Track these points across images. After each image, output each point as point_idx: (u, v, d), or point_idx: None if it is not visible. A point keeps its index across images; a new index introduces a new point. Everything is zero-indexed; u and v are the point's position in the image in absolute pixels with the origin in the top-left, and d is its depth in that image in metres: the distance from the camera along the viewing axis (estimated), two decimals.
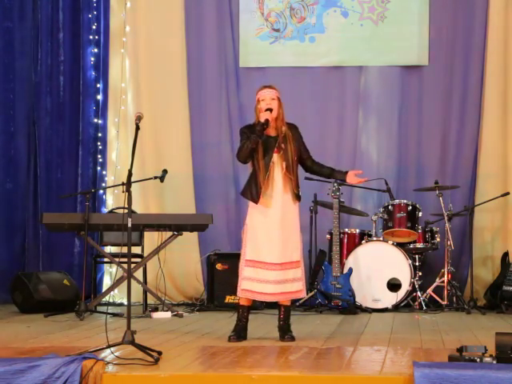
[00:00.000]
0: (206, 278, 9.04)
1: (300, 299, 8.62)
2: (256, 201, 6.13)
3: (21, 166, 9.64)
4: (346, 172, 6.39)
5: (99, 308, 8.27)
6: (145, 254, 8.63)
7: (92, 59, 9.79)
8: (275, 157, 6.15)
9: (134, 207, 8.12)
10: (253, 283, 6.13)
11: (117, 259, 8.01)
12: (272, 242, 6.11)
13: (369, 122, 9.64)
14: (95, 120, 9.79)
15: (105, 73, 9.76)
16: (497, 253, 9.19)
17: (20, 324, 7.31)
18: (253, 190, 6.16)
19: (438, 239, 8.88)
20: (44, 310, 8.06)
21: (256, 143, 6.10)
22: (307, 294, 8.59)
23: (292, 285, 6.17)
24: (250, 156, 6.16)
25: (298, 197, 6.19)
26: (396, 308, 8.59)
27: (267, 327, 6.88)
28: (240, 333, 6.18)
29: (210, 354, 5.49)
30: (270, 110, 6.12)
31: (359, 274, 8.63)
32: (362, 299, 8.55)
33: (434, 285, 8.72)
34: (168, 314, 8.03)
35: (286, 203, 6.16)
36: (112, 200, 9.57)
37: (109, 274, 9.57)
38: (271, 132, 6.19)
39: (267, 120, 6.08)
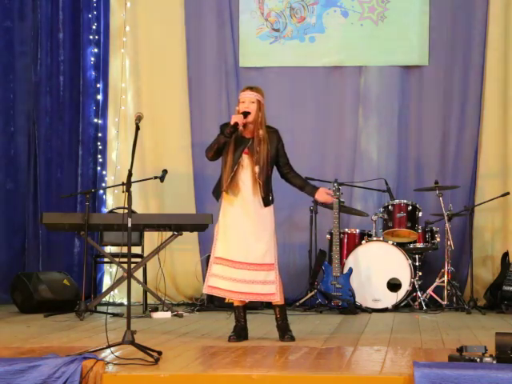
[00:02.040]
0: None
1: (300, 299, 8.65)
2: (217, 199, 6.19)
3: (21, 166, 9.64)
4: (317, 189, 6.28)
5: (99, 308, 8.27)
6: (145, 254, 8.64)
7: (92, 59, 9.79)
8: (245, 158, 6.14)
9: (134, 207, 8.13)
10: (220, 280, 6.13)
11: (117, 259, 8.01)
12: (241, 241, 6.10)
13: (369, 122, 9.64)
14: (95, 120, 9.78)
15: (105, 73, 9.77)
16: (497, 253, 9.19)
17: (20, 324, 7.31)
18: (217, 189, 6.21)
19: (438, 239, 8.88)
20: (44, 310, 8.05)
21: (223, 144, 6.11)
22: (307, 293, 8.64)
23: (263, 287, 6.12)
24: (217, 154, 6.16)
25: (266, 201, 6.15)
26: (396, 308, 8.59)
27: (267, 327, 6.87)
28: (240, 333, 6.18)
29: (210, 354, 5.49)
30: (246, 113, 6.11)
31: (359, 274, 8.63)
32: (362, 299, 8.55)
33: (434, 285, 8.72)
34: (168, 314, 8.03)
35: (257, 206, 6.14)
36: (112, 200, 9.57)
37: (109, 273, 9.57)
38: (246, 134, 6.17)
39: (236, 124, 6.07)
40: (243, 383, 4.59)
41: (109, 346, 5.18)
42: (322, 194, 6.28)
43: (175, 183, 9.35)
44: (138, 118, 5.69)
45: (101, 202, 9.69)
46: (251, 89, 6.21)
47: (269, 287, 6.14)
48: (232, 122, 6.07)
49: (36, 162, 9.68)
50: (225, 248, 6.14)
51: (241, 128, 6.10)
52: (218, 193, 6.20)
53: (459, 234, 9.28)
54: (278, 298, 6.17)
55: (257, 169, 6.12)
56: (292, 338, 6.13)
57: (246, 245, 6.10)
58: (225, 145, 6.11)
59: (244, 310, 6.28)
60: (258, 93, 6.19)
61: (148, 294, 8.47)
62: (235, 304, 6.28)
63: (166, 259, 8.96)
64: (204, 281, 9.03)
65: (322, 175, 9.03)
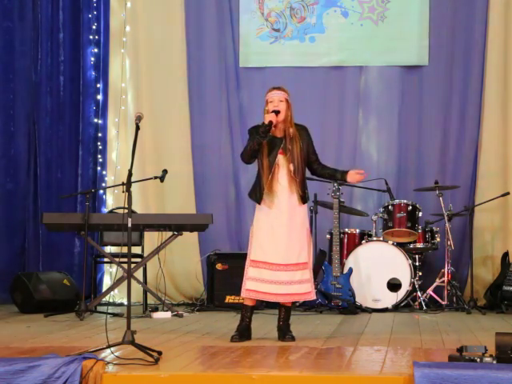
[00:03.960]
0: (206, 277, 9.05)
1: None
2: (259, 201, 6.16)
3: (21, 166, 9.64)
4: (347, 172, 6.36)
5: (99, 308, 8.27)
6: (145, 254, 8.63)
7: (92, 59, 9.79)
8: (280, 158, 6.16)
9: (134, 207, 8.12)
10: (257, 283, 6.13)
11: (117, 259, 8.01)
12: (277, 243, 6.10)
13: (369, 122, 9.64)
14: (95, 120, 9.78)
15: (105, 73, 9.76)
16: (497, 253, 9.19)
17: (20, 324, 7.31)
18: (257, 191, 6.19)
19: (438, 239, 8.88)
20: (44, 310, 8.06)
21: (259, 145, 6.11)
22: None
23: (300, 286, 6.15)
24: (253, 157, 6.18)
25: (304, 199, 6.20)
26: (396, 308, 8.59)
27: (267, 327, 6.88)
28: (243, 332, 6.18)
29: (210, 354, 5.49)
30: (277, 112, 6.13)
31: (359, 274, 8.63)
32: (362, 299, 8.55)
33: (434, 285, 8.72)
34: (168, 314, 8.03)
35: (293, 205, 6.16)
36: (112, 200, 9.57)
37: (109, 273, 9.57)
38: (278, 133, 6.19)
39: (271, 122, 6.09)
40: (243, 383, 4.59)
41: (109, 346, 5.18)
42: (353, 176, 6.32)
43: (175, 183, 9.35)
44: (138, 118, 5.69)
45: (101, 202, 9.69)
46: (278, 88, 6.23)
47: (305, 286, 6.18)
48: (266, 121, 6.08)
49: (36, 162, 9.68)
50: (261, 250, 6.13)
51: (272, 128, 6.11)
52: (258, 195, 6.16)
53: (459, 234, 9.27)
54: (314, 296, 6.26)
55: (292, 167, 6.14)
56: (292, 338, 6.13)
57: (282, 246, 6.10)
58: (260, 146, 6.11)
59: (252, 311, 6.29)
60: (285, 92, 6.22)
61: (148, 293, 8.47)
62: (246, 303, 6.28)
63: (165, 259, 8.95)
64: (204, 281, 9.21)
65: None
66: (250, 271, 6.16)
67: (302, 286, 6.16)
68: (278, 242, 6.11)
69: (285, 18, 9.70)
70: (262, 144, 6.11)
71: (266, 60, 9.71)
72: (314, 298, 6.32)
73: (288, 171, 6.15)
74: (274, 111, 6.12)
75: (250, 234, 6.23)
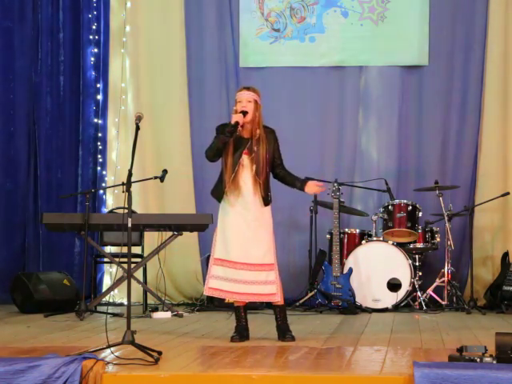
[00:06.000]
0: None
1: (300, 299, 8.65)
2: (219, 199, 6.18)
3: (21, 166, 9.64)
4: (306, 183, 6.28)
5: (99, 308, 8.27)
6: (145, 254, 8.64)
7: (92, 59, 9.79)
8: (245, 158, 6.14)
9: (134, 207, 8.13)
10: (221, 282, 6.13)
11: (117, 259, 8.01)
12: (241, 242, 6.10)
13: (369, 122, 9.64)
14: (95, 120, 9.78)
15: (105, 73, 9.77)
16: (497, 253, 9.19)
17: (20, 324, 7.31)
18: (219, 189, 6.20)
19: (438, 239, 8.88)
20: (44, 310, 8.06)
21: (223, 144, 6.11)
22: (307, 293, 8.64)
23: (264, 287, 6.12)
24: (217, 155, 6.17)
25: (266, 200, 6.17)
26: (396, 308, 8.59)
27: (267, 327, 6.87)
28: (242, 333, 6.18)
29: (210, 354, 5.49)
30: (245, 112, 6.12)
31: (359, 274, 8.63)
32: (362, 299, 8.55)
33: (434, 285, 8.72)
34: (168, 314, 8.03)
35: (257, 205, 6.15)
36: (112, 200, 9.57)
37: (109, 273, 9.57)
38: (244, 134, 6.18)
39: (237, 123, 6.08)
40: (243, 383, 4.59)
41: (109, 346, 5.18)
42: (311, 187, 6.27)
43: (175, 183, 9.35)
44: (138, 118, 5.69)
45: (101, 202, 9.69)
46: (248, 89, 6.21)
47: (270, 287, 6.14)
48: (232, 122, 6.07)
49: (36, 162, 9.68)
50: (224, 249, 6.14)
51: (239, 128, 6.11)
52: (220, 193, 6.19)
53: (459, 234, 9.28)
54: (278, 298, 6.18)
55: (255, 168, 6.12)
56: (292, 338, 6.13)
57: (247, 245, 6.10)
58: (225, 145, 6.11)
59: (245, 310, 6.28)
60: (255, 93, 6.19)
61: (148, 293, 8.48)
62: (236, 304, 6.28)
63: (165, 259, 8.95)
64: (204, 281, 9.19)
65: (321, 175, 9.02)
66: (213, 269, 6.17)
67: (267, 287, 6.13)
68: (243, 241, 6.10)
69: (285, 18, 9.70)
70: (226, 143, 6.11)
71: (265, 60, 9.71)
72: (279, 300, 6.18)
73: (252, 172, 6.13)
74: (241, 112, 6.11)
75: (215, 233, 6.23)
